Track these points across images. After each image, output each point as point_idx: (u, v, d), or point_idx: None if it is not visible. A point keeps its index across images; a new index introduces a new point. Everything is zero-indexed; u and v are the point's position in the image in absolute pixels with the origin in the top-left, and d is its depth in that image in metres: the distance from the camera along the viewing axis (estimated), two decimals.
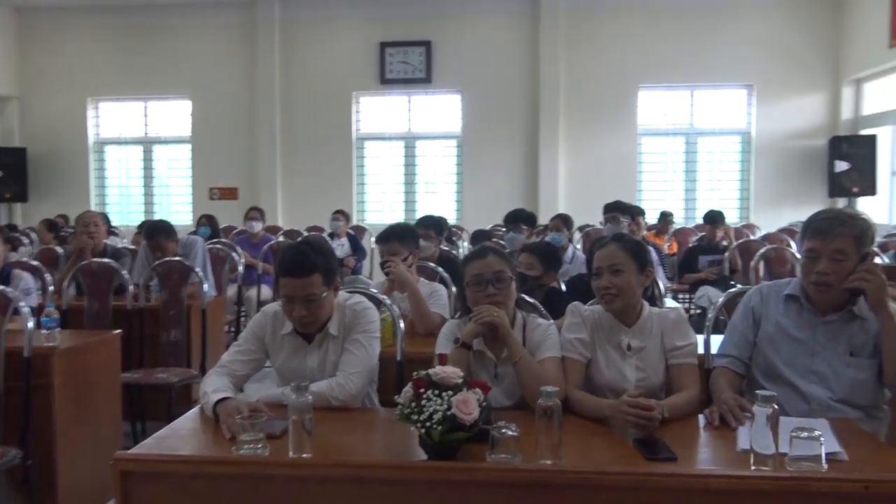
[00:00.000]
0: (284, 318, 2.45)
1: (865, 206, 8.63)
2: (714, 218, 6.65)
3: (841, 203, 9.04)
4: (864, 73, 9.16)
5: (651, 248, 3.29)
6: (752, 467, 1.73)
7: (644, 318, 2.41)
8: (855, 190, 8.87)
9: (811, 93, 9.65)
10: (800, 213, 9.05)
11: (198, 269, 4.51)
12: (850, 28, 9.26)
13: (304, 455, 1.84)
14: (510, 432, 1.78)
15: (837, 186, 9.04)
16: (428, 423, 1.75)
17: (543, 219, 7.94)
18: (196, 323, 4.44)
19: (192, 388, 4.40)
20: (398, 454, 1.91)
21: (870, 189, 8.84)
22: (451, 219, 9.70)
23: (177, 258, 4.64)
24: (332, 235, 7.89)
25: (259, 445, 1.86)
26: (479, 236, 5.94)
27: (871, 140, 8.93)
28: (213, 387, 2.26)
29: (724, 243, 6.69)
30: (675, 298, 6.53)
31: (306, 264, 2.35)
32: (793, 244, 6.44)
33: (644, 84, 9.84)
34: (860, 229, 2.27)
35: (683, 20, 9.60)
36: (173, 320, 4.37)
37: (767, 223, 8.86)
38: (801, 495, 1.65)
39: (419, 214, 9.16)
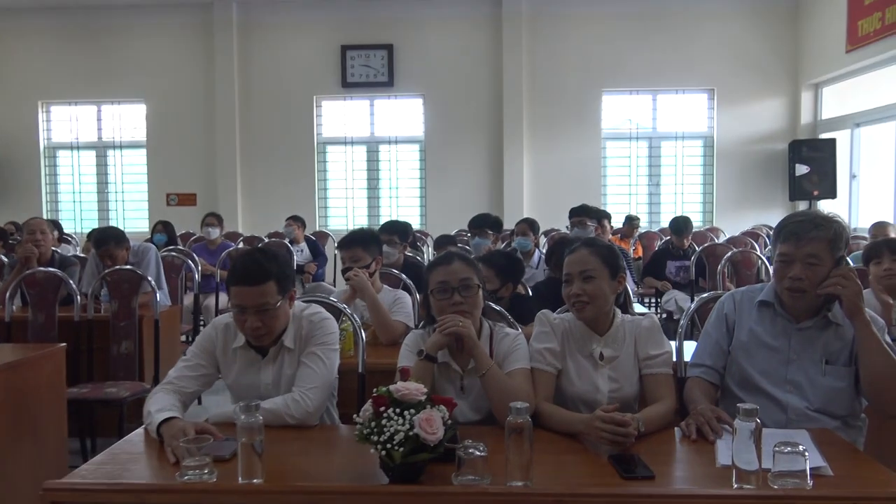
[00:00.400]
0: (236, 330, 2.30)
1: (826, 209, 8.71)
2: (680, 229, 6.54)
3: (802, 206, 9.12)
4: (823, 77, 9.28)
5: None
6: (735, 485, 1.63)
7: (616, 326, 2.31)
8: (815, 193, 8.95)
9: (771, 97, 9.75)
10: (762, 217, 9.15)
11: (150, 278, 4.31)
12: (809, 34, 9.37)
13: (254, 480, 1.69)
14: (477, 452, 1.66)
15: (798, 190, 9.12)
16: (389, 445, 1.62)
17: (508, 223, 7.86)
18: (149, 334, 4.24)
19: (145, 403, 4.20)
20: (358, 477, 1.78)
21: (830, 192, 8.93)
22: (416, 224, 9.57)
23: (128, 266, 4.43)
24: (291, 242, 7.72)
25: (205, 471, 1.70)
26: (443, 241, 5.82)
27: (831, 144, 9.03)
28: (158, 405, 2.10)
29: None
30: (641, 303, 6.49)
31: (259, 271, 2.20)
32: (757, 247, 6.46)
33: (607, 88, 9.83)
34: (834, 232, 2.20)
35: (645, 25, 9.62)
36: (124, 332, 4.17)
37: (730, 227, 8.91)
38: None
39: (383, 220, 9.06)
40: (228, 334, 2.33)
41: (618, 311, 2.34)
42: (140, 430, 2.12)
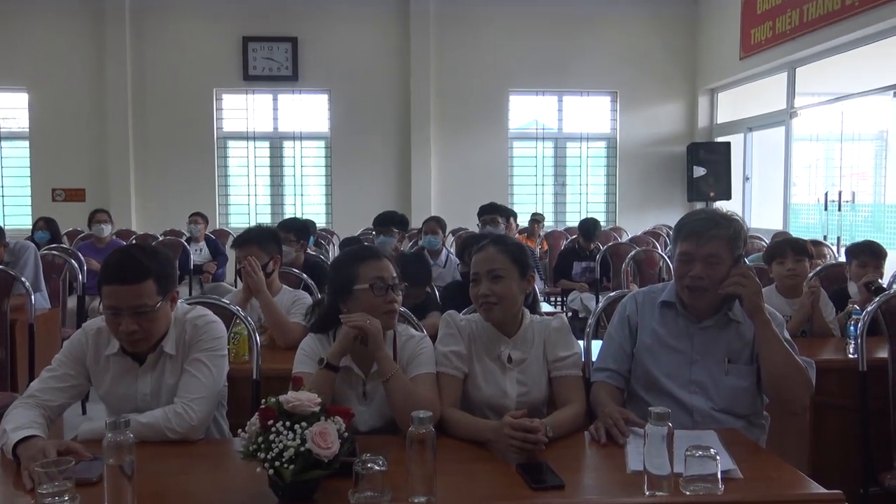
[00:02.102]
0: (110, 335, 2.06)
1: (723, 208, 9.02)
2: (589, 232, 6.55)
3: (699, 207, 9.42)
4: (718, 83, 9.64)
5: None
6: (647, 492, 1.57)
7: (525, 328, 2.22)
8: (712, 194, 9.27)
9: (671, 101, 10.04)
10: (662, 217, 9.40)
11: (24, 279, 3.94)
12: (706, 41, 9.71)
13: None
14: (376, 467, 1.52)
15: (696, 191, 9.42)
16: (278, 462, 1.46)
17: (416, 222, 7.75)
18: (23, 340, 3.88)
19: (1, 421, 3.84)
20: (246, 497, 1.60)
21: (725, 194, 9.27)
22: (321, 222, 9.33)
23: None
24: (189, 240, 7.35)
25: (65, 498, 1.49)
26: (348, 244, 5.64)
27: (726, 147, 9.38)
28: (15, 423, 1.85)
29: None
30: (547, 301, 6.50)
31: (136, 269, 1.96)
32: (658, 246, 6.59)
33: (514, 89, 9.88)
34: (733, 231, 2.19)
35: (551, 28, 9.71)
36: None
37: (632, 226, 9.09)
38: None
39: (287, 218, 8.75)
40: (101, 340, 2.09)
41: (526, 311, 2.25)
42: None
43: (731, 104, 9.71)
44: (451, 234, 7.37)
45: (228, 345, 2.32)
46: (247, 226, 9.15)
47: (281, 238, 4.21)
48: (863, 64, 7.03)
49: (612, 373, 2.30)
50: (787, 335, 2.22)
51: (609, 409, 2.06)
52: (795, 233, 7.51)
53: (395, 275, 2.17)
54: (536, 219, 8.50)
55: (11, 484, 1.70)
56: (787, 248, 3.59)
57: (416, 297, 3.49)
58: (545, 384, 2.20)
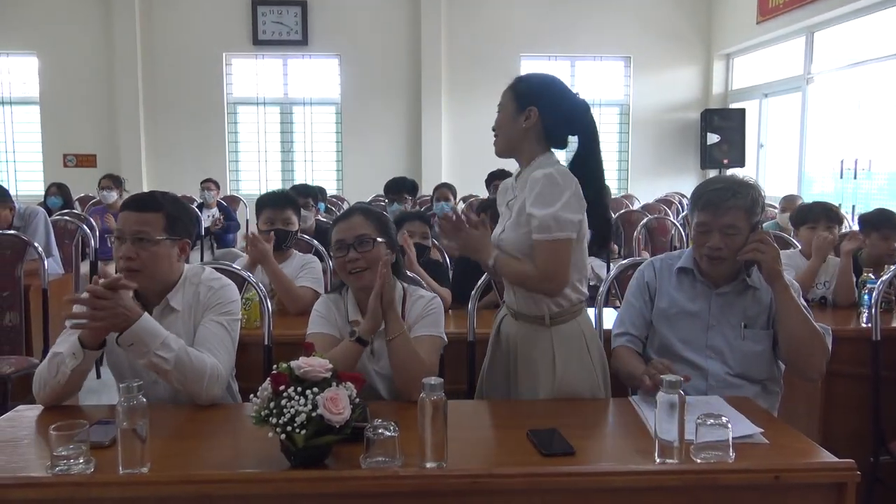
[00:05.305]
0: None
1: (740, 174, 8.92)
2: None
3: (712, 174, 9.32)
4: (734, 48, 9.46)
5: None
6: (658, 459, 1.56)
7: (531, 170, 2.34)
8: (725, 161, 9.16)
9: (685, 66, 9.87)
10: (674, 184, 9.31)
11: (37, 244, 3.96)
12: (722, 4, 9.51)
13: (139, 470, 1.51)
14: (388, 432, 1.52)
15: (709, 158, 9.32)
16: (290, 427, 1.47)
17: (426, 188, 7.72)
18: (37, 305, 3.91)
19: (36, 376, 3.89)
20: (258, 462, 1.60)
21: (739, 161, 9.16)
22: (332, 188, 9.31)
23: (11, 231, 4.06)
24: (201, 206, 7.35)
25: (80, 461, 1.51)
26: None
27: (741, 113, 9.24)
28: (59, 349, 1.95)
29: None
30: None
31: (150, 200, 2.08)
32: (670, 214, 6.55)
33: (526, 54, 9.74)
34: (751, 199, 2.18)
35: None
36: (7, 302, 3.82)
37: (644, 194, 9.01)
38: (710, 490, 1.50)
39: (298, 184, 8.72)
40: None
41: (544, 158, 2.40)
42: (9, 416, 1.89)
43: (747, 69, 9.54)
44: (461, 201, 7.33)
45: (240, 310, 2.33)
46: (257, 192, 9.21)
47: (301, 203, 4.23)
48: (882, 29, 6.88)
49: (632, 337, 2.32)
50: (803, 301, 2.22)
51: (655, 361, 2.10)
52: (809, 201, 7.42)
53: (360, 233, 2.15)
54: None
55: (34, 444, 1.71)
56: (822, 217, 3.55)
57: (422, 236, 3.58)
58: (517, 235, 2.14)
